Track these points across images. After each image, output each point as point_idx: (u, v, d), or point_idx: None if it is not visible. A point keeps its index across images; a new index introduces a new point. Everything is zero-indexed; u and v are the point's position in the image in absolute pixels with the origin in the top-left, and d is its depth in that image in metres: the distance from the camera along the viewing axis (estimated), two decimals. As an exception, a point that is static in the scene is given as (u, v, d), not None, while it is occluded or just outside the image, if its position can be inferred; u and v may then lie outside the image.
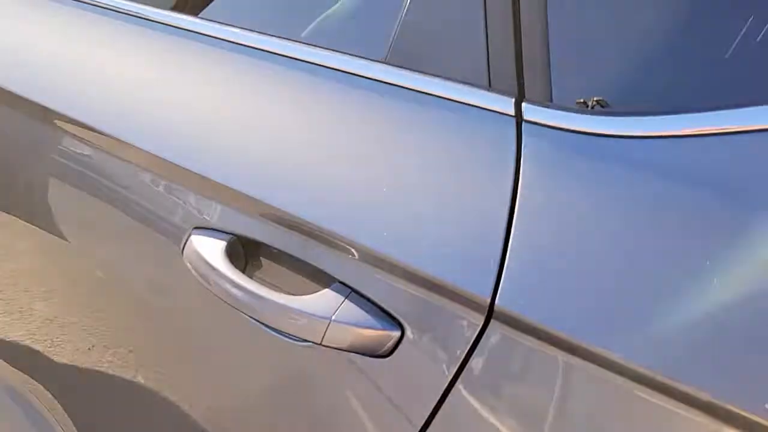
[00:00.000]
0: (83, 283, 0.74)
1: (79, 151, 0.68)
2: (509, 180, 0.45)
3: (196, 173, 0.55)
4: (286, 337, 0.50)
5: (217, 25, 0.61)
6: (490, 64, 0.49)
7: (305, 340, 0.50)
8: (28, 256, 0.82)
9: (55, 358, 0.82)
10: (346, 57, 0.54)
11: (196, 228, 0.56)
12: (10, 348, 0.88)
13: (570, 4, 0.49)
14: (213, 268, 0.52)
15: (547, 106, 0.47)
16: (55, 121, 0.67)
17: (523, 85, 0.48)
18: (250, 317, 0.51)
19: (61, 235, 0.72)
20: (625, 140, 0.44)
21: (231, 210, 0.54)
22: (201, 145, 0.56)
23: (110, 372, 0.72)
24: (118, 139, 0.61)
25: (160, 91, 0.62)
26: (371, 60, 0.53)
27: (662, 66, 0.46)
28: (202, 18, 0.64)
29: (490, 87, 0.49)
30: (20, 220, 0.77)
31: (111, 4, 0.71)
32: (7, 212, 0.79)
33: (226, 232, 0.55)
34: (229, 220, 0.55)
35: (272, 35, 0.58)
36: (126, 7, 0.69)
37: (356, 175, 0.50)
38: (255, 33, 0.58)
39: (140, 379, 0.68)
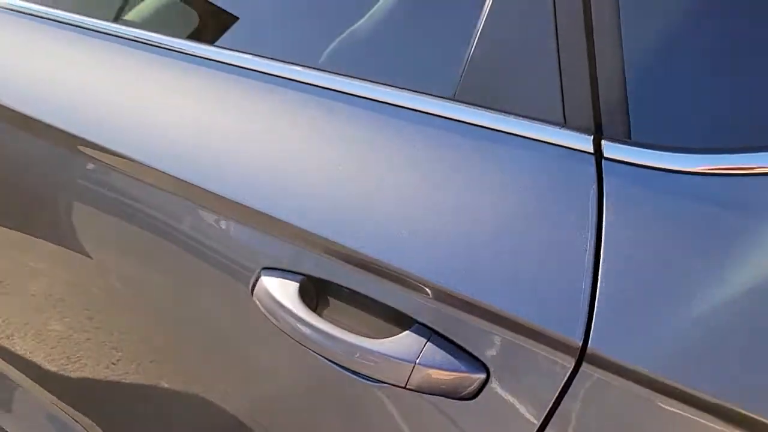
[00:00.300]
0: (123, 306, 0.74)
1: (125, 184, 0.68)
2: (593, 219, 0.45)
3: (263, 213, 0.55)
4: (364, 379, 0.50)
5: (276, 63, 0.61)
6: (565, 100, 0.49)
7: (383, 382, 0.49)
8: (60, 279, 0.83)
9: (83, 375, 0.83)
10: (414, 95, 0.54)
11: (265, 269, 0.56)
12: (40, 369, 0.90)
13: (647, 35, 0.48)
14: (290, 312, 0.52)
15: (627, 143, 0.46)
16: (80, 147, 0.68)
17: (601, 121, 0.48)
18: (327, 359, 0.51)
19: (88, 255, 0.74)
20: (708, 177, 0.44)
21: (301, 250, 0.54)
22: (268, 184, 0.56)
23: (148, 387, 0.72)
24: (171, 176, 0.61)
25: (220, 129, 0.62)
26: (440, 97, 0.53)
27: (743, 100, 0.46)
28: (254, 53, 0.64)
29: (565, 124, 0.49)
30: (54, 245, 0.77)
31: (136, 35, 0.72)
32: (37, 236, 0.80)
33: (297, 272, 0.54)
34: (299, 260, 0.54)
35: (337, 72, 0.58)
36: (157, 40, 0.71)
37: (430, 214, 0.49)
38: (319, 71, 0.58)
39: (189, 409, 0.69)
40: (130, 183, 0.67)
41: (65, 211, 0.76)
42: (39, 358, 0.90)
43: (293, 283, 0.54)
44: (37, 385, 0.93)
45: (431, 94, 0.54)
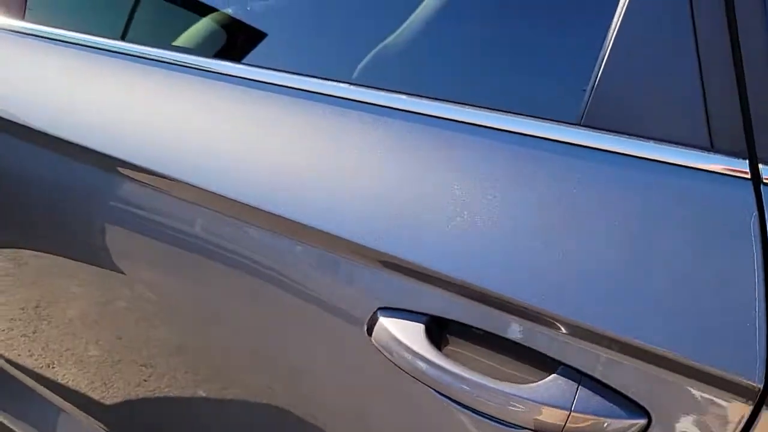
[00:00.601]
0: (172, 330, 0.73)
1: (184, 211, 0.67)
2: (757, 250, 0.42)
3: (378, 250, 0.52)
4: (508, 426, 0.47)
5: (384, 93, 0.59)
6: (710, 120, 0.46)
7: (531, 429, 0.46)
8: (94, 301, 0.82)
9: (122, 398, 0.83)
10: (537, 121, 0.51)
11: (382, 309, 0.53)
12: (82, 396, 0.89)
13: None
14: (422, 357, 0.49)
15: (787, 166, 0.43)
16: (120, 169, 0.67)
17: (754, 143, 0.45)
18: (464, 406, 0.48)
19: (134, 278, 0.73)
20: None
21: (424, 289, 0.51)
22: (376, 219, 0.53)
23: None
24: (258, 208, 0.59)
25: (327, 164, 0.59)
26: (565, 123, 0.50)
27: None
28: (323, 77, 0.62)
29: (712, 147, 0.46)
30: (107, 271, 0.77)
31: (173, 58, 0.72)
32: (73, 259, 0.79)
33: (420, 312, 0.52)
34: (423, 299, 0.52)
35: (459, 102, 0.55)
36: (192, 61, 0.70)
37: (566, 249, 0.46)
38: (431, 100, 0.56)
39: None
40: (193, 210, 0.65)
41: (101, 233, 0.75)
42: (82, 386, 0.90)
43: (417, 324, 0.51)
44: (78, 409, 0.93)
45: (555, 120, 0.51)
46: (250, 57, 0.73)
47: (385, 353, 0.52)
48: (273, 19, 0.78)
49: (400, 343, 0.50)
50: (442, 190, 0.52)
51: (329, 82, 0.62)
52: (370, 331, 0.54)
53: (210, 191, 0.61)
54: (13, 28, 0.87)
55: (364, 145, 0.56)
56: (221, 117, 0.66)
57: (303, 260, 0.59)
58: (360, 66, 0.64)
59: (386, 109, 0.57)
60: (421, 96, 0.56)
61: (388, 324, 0.52)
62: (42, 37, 0.85)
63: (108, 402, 0.88)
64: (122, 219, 0.72)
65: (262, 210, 0.58)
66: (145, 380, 0.79)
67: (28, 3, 0.89)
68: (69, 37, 0.82)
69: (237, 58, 0.72)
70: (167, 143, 0.67)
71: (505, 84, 0.56)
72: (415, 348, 0.50)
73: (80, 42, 0.81)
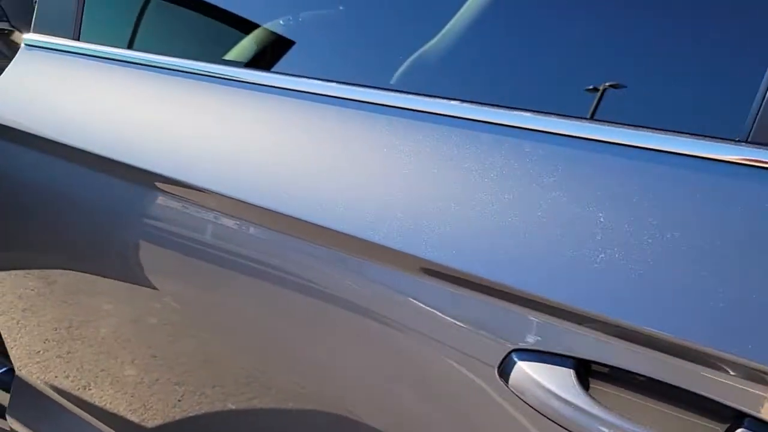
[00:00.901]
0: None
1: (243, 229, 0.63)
2: None
3: (523, 290, 0.47)
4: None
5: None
6: None
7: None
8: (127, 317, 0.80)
9: (161, 420, 0.81)
10: (692, 139, 0.46)
11: (517, 351, 0.48)
12: (119, 418, 0.88)
13: None
14: (581, 408, 0.44)
15: None
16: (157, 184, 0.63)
17: None
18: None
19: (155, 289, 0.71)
20: None
21: (573, 330, 0.46)
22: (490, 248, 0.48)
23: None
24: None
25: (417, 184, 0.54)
26: (727, 140, 0.45)
27: None
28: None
29: None
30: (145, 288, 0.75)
31: (204, 69, 0.72)
32: (103, 276, 0.78)
33: (565, 356, 0.47)
34: (571, 342, 0.46)
35: (602, 119, 0.49)
36: (227, 72, 0.70)
37: (744, 286, 0.41)
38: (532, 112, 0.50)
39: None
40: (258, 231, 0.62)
41: (129, 249, 0.74)
42: (120, 408, 0.87)
43: (565, 368, 0.46)
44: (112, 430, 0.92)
45: (712, 137, 0.45)
46: (287, 66, 0.72)
47: (526, 400, 0.47)
48: (309, 30, 0.77)
49: (546, 389, 0.45)
50: (580, 218, 0.46)
51: (367, 89, 0.60)
52: (502, 375, 0.48)
53: (265, 208, 0.59)
54: (68, 49, 0.87)
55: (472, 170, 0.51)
56: (266, 129, 0.64)
57: (413, 293, 0.54)
58: (399, 71, 0.62)
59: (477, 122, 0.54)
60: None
61: (528, 368, 0.47)
62: (96, 56, 0.84)
63: (149, 425, 0.84)
64: (151, 234, 0.71)
65: (362, 240, 0.54)
66: (179, 400, 0.78)
67: (82, 24, 0.89)
68: (123, 56, 0.81)
69: (280, 68, 0.71)
70: (208, 157, 0.65)
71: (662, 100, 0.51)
72: (570, 398, 0.44)
73: (135, 60, 0.79)
